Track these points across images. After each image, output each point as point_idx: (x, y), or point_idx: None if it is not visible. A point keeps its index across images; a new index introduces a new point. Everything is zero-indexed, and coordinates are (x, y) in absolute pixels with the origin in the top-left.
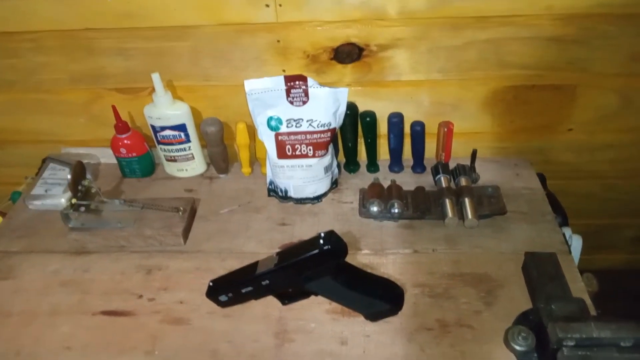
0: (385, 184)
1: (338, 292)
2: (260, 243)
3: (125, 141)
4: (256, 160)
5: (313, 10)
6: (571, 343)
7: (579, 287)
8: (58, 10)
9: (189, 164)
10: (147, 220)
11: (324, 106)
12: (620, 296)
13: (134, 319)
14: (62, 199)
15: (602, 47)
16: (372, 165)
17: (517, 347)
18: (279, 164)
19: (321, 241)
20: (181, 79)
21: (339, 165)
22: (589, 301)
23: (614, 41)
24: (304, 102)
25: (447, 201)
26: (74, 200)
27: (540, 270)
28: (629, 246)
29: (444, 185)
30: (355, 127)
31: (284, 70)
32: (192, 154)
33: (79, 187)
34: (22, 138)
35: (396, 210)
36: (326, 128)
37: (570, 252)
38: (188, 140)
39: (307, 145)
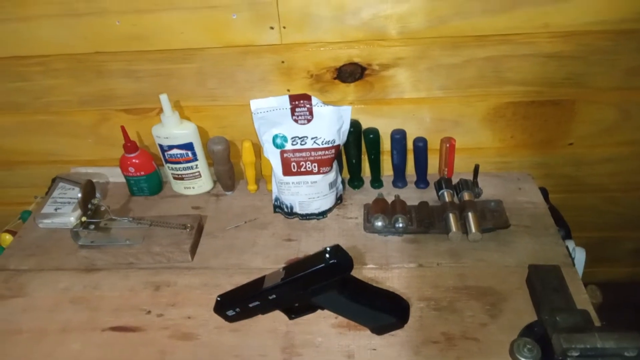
0: (390, 199)
1: (344, 306)
2: (266, 259)
3: (134, 160)
4: (262, 177)
5: (316, 32)
6: (575, 353)
7: (583, 299)
8: (67, 34)
9: (196, 182)
10: (155, 238)
11: (328, 124)
12: (624, 308)
13: (143, 335)
14: (71, 217)
15: (600, 62)
16: (376, 181)
17: (523, 359)
18: (284, 181)
19: (327, 255)
20: (188, 100)
21: (343, 182)
22: (593, 313)
23: (610, 56)
24: (309, 120)
25: (451, 215)
26: (83, 219)
27: (544, 283)
28: (631, 258)
29: (447, 200)
30: (358, 144)
31: (288, 90)
32: (199, 172)
33: (89, 206)
34: (31, 159)
35: (400, 225)
36: (330, 145)
37: (573, 264)
38: (195, 159)
39: (311, 162)
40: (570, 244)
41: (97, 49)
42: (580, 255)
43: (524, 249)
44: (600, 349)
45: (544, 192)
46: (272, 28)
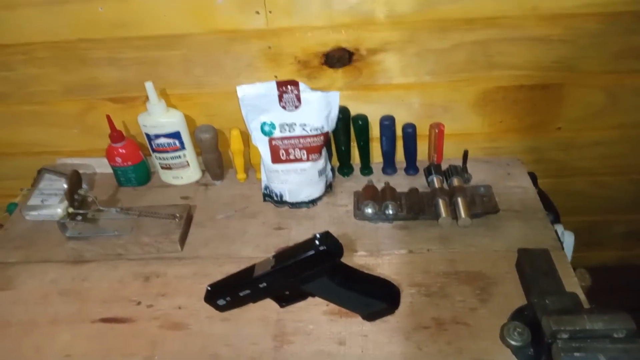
0: (379, 186)
1: (335, 293)
2: (257, 248)
3: (121, 150)
4: (251, 166)
5: (303, 16)
6: (565, 335)
7: (573, 282)
8: (50, 21)
9: (184, 171)
10: (144, 228)
11: (316, 110)
12: (613, 291)
13: (133, 326)
14: (58, 209)
15: (588, 45)
16: (366, 168)
17: (513, 343)
18: (273, 169)
19: (317, 242)
20: (174, 87)
21: (333, 169)
22: (582, 296)
23: (599, 39)
24: (297, 107)
25: (441, 201)
26: (70, 210)
27: (533, 266)
28: (619, 242)
29: (436, 186)
30: (347, 130)
31: (275, 76)
32: (187, 161)
33: (75, 197)
34: (16, 150)
35: (390, 212)
36: (319, 132)
37: (562, 248)
38: (183, 148)
39: (300, 149)
40: (559, 228)
41: (81, 37)
42: (569, 239)
43: (514, 233)
44: (590, 330)
45: (533, 177)
46: (258, 13)
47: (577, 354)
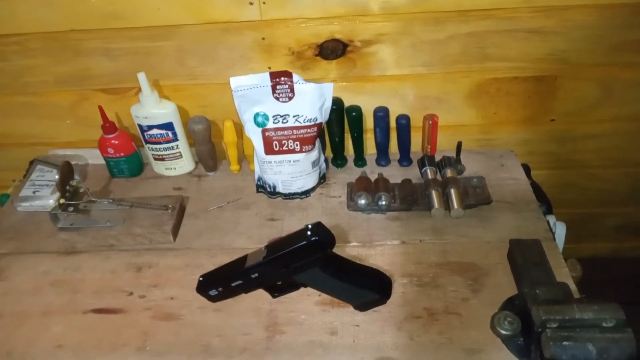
0: (373, 177)
1: (327, 283)
2: (249, 239)
3: (113, 141)
4: (244, 157)
5: (296, 7)
6: (554, 325)
7: (564, 273)
8: (43, 11)
9: (177, 162)
10: (136, 219)
11: (310, 101)
12: (605, 284)
13: (125, 316)
14: (50, 200)
15: (582, 38)
16: (359, 160)
17: (503, 332)
18: (266, 160)
19: (308, 233)
20: (167, 79)
21: (326, 160)
22: (573, 286)
23: (593, 32)
24: (290, 98)
25: (434, 192)
26: (62, 201)
27: (525, 257)
28: (612, 234)
29: (430, 177)
30: (341, 122)
31: (269, 68)
32: (180, 152)
33: (67, 188)
34: (9, 141)
35: (384, 203)
36: (312, 123)
37: (554, 239)
38: (175, 139)
39: (294, 140)
40: (551, 218)
41: (73, 27)
42: (560, 230)
43: (506, 224)
44: (579, 319)
45: (526, 168)
46: (251, 4)
47: (566, 343)
